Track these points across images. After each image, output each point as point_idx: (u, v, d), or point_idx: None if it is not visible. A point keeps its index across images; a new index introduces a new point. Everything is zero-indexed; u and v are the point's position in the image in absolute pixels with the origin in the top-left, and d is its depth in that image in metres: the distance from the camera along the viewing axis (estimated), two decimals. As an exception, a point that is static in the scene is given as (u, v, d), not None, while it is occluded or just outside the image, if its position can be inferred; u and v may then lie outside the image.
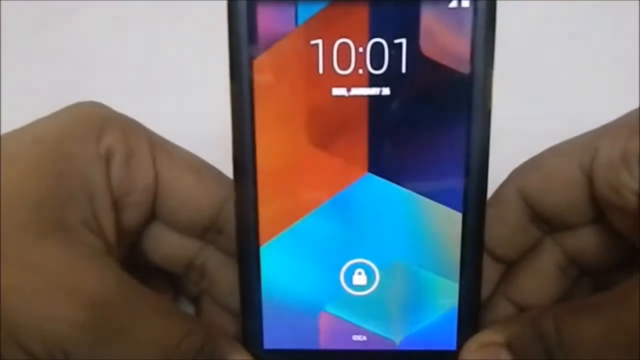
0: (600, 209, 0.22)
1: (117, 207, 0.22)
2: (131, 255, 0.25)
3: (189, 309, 0.27)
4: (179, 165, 0.23)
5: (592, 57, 0.36)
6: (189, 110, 0.33)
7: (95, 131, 0.22)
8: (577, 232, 0.23)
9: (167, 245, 0.25)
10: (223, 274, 0.25)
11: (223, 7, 0.20)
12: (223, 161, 0.22)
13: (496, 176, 0.22)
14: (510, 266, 0.24)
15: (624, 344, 0.19)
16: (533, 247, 0.24)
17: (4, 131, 0.22)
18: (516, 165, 0.23)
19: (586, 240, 0.23)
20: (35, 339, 0.19)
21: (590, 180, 0.21)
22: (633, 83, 0.29)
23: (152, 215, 0.24)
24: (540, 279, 0.24)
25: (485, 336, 0.22)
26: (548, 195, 0.22)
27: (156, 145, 0.23)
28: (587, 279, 0.25)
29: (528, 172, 0.23)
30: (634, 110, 0.21)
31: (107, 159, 0.22)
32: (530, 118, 0.33)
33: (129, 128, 0.23)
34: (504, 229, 0.23)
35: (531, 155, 0.23)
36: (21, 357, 0.19)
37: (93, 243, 0.21)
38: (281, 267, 0.22)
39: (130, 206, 0.23)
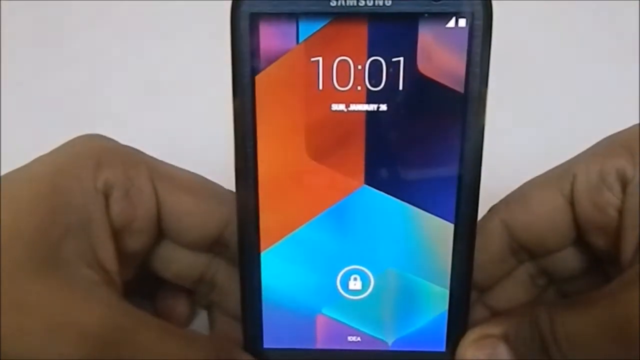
0: (580, 232, 0.23)
1: (119, 236, 0.23)
2: (143, 270, 0.25)
3: (203, 314, 0.28)
4: (179, 189, 0.24)
5: (592, 57, 0.37)
6: (193, 123, 0.34)
7: (92, 165, 0.22)
8: (555, 255, 0.24)
9: (176, 262, 0.25)
10: (232, 286, 0.25)
11: (227, 24, 0.21)
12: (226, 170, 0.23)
13: (488, 189, 0.23)
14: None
15: (616, 338, 0.19)
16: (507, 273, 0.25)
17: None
18: (506, 179, 0.24)
19: (562, 259, 0.24)
20: None
21: (572, 204, 0.23)
22: (633, 83, 0.29)
23: (159, 236, 0.24)
24: (513, 287, 0.25)
25: (483, 329, 0.23)
26: (533, 228, 0.24)
27: (156, 172, 0.23)
28: (553, 286, 0.26)
29: (513, 207, 0.24)
30: (604, 139, 0.23)
31: (106, 193, 0.22)
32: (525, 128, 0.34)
33: (128, 158, 0.23)
34: (485, 258, 0.24)
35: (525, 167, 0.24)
36: None
37: (89, 276, 0.21)
38: (281, 272, 0.23)
39: (134, 233, 0.23)
